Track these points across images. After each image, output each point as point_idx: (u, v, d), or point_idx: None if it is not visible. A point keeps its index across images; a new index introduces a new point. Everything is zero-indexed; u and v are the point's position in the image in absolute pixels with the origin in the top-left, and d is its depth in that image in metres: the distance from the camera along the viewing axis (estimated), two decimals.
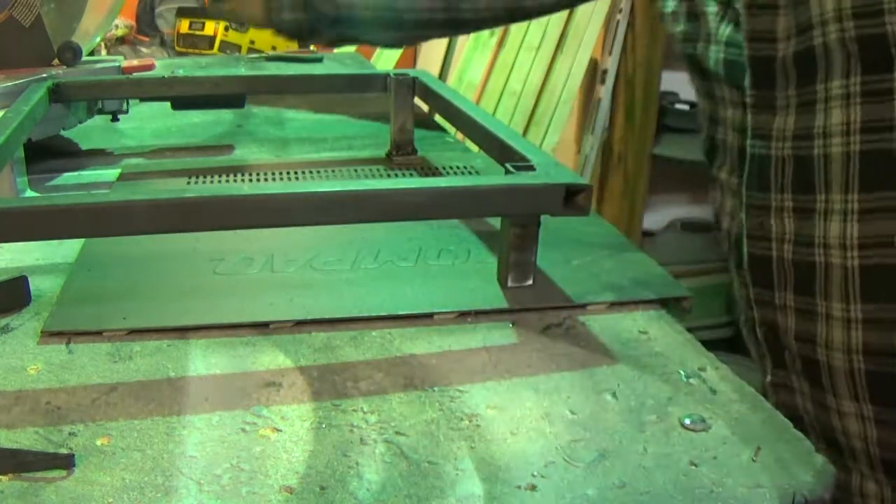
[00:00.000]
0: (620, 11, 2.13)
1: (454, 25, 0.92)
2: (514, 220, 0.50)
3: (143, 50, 1.76)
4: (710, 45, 0.65)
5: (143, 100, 0.99)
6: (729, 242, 0.69)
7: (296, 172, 0.74)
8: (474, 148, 0.78)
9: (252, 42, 1.59)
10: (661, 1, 0.71)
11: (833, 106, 0.56)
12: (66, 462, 0.35)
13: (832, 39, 0.55)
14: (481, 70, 2.47)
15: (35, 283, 0.51)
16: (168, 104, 0.97)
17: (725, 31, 0.63)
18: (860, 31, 0.53)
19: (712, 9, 0.64)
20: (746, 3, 0.59)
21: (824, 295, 0.58)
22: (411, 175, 0.74)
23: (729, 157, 0.68)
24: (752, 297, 0.65)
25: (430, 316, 0.49)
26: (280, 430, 0.38)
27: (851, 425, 0.58)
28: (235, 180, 0.72)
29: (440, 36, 0.93)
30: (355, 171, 0.76)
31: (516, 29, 2.47)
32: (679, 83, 2.23)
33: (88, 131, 0.87)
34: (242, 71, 0.88)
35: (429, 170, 0.75)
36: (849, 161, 0.55)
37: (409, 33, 0.92)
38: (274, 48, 1.49)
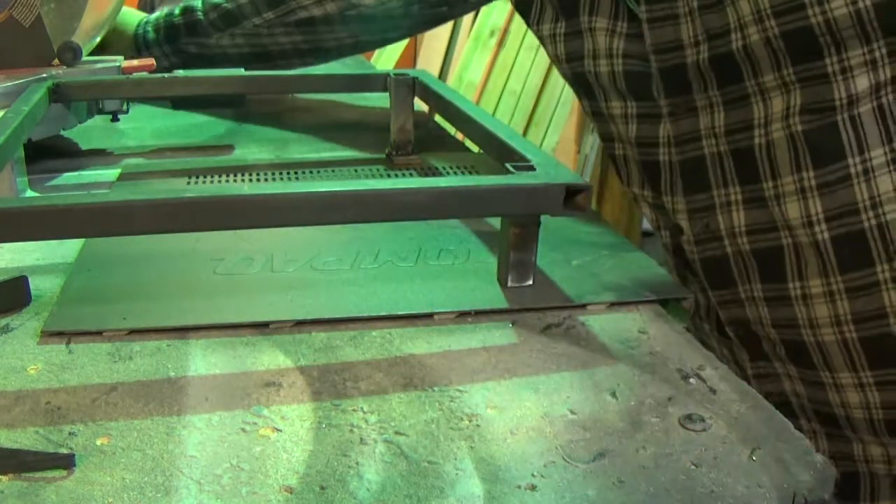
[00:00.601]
0: None
1: (315, 54, 1.00)
2: (514, 220, 0.50)
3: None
4: (597, 59, 0.64)
5: (143, 100, 1.00)
6: (669, 252, 0.68)
7: (296, 172, 0.74)
8: (474, 148, 0.78)
9: None
10: (535, 25, 0.71)
11: (773, 96, 0.55)
12: (66, 462, 0.35)
13: (754, 41, 0.54)
14: (481, 70, 2.47)
15: (35, 283, 0.51)
16: (168, 104, 0.97)
17: (620, 44, 0.62)
18: (784, 28, 0.52)
19: (601, 24, 0.63)
20: (647, 18, 0.59)
21: (798, 276, 0.57)
22: (411, 175, 0.74)
23: (635, 172, 0.67)
24: (712, 301, 0.64)
25: (430, 316, 0.49)
26: (280, 430, 0.38)
27: (851, 396, 0.57)
28: (235, 180, 0.72)
29: (302, 66, 1.03)
30: (355, 171, 0.76)
31: (516, 29, 2.47)
32: None
33: (88, 131, 0.87)
34: (242, 71, 0.88)
35: (429, 170, 0.75)
36: (794, 142, 0.55)
37: (275, 63, 1.01)
38: None
